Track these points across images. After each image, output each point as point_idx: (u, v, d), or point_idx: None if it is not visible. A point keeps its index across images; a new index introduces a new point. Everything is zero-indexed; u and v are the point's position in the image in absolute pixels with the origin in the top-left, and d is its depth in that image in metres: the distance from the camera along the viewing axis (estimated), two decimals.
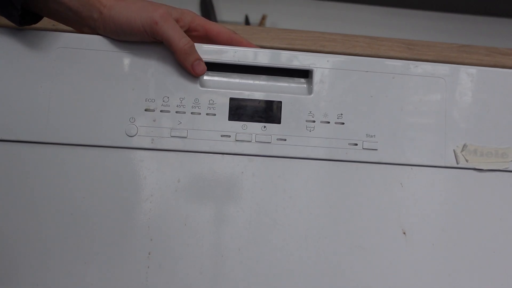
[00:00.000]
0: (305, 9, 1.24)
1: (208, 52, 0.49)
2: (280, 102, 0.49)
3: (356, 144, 0.49)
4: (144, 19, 0.45)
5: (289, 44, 0.63)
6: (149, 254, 0.46)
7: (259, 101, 0.49)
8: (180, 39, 0.46)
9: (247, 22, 1.18)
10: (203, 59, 0.49)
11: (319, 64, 0.50)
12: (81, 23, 0.48)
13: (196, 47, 0.49)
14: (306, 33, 0.64)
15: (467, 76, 0.52)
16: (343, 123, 0.49)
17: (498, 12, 1.26)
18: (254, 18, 1.19)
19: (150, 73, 0.48)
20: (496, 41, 1.25)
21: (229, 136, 0.48)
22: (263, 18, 1.17)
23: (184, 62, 0.47)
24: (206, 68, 0.48)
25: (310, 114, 0.49)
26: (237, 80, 0.51)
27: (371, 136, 0.50)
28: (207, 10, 1.15)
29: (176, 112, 0.48)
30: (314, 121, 0.49)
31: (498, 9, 1.25)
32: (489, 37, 1.25)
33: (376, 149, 0.49)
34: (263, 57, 0.50)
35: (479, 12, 1.27)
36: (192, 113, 0.48)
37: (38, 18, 0.49)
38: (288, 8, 1.23)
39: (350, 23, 1.24)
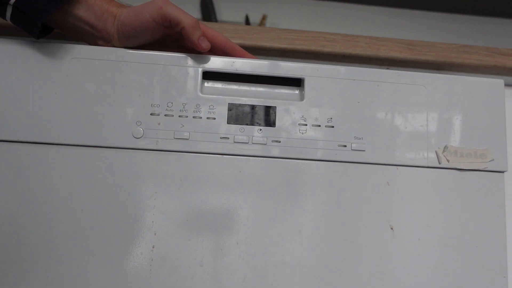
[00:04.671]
0: (305, 9, 1.21)
1: (209, 62, 0.51)
2: (275, 107, 0.50)
3: (345, 146, 0.50)
4: (149, 10, 0.47)
5: (289, 44, 0.62)
6: (153, 247, 0.47)
7: (256, 106, 0.50)
8: (186, 16, 0.48)
9: (247, 22, 1.16)
10: (204, 69, 0.50)
11: (310, 73, 0.51)
12: (96, 36, 0.50)
13: (197, 56, 0.50)
14: (306, 33, 0.63)
15: (446, 84, 0.53)
16: (332, 127, 0.50)
17: (498, 12, 1.24)
18: (254, 18, 1.17)
19: (156, 81, 0.50)
20: (496, 41, 1.22)
21: (228, 138, 0.49)
22: (263, 18, 1.14)
23: (192, 36, 0.48)
24: (209, 44, 0.50)
25: (302, 118, 0.50)
26: (235, 87, 0.52)
27: (359, 138, 0.50)
28: (207, 10, 1.13)
29: (179, 116, 0.49)
30: (306, 125, 0.50)
31: (498, 9, 1.23)
32: (489, 37, 1.23)
33: (363, 150, 0.50)
34: (259, 67, 0.51)
35: (479, 12, 1.25)
36: (193, 117, 0.49)
37: (50, 30, 0.50)
38: (288, 8, 1.21)
39: (350, 23, 1.21)
